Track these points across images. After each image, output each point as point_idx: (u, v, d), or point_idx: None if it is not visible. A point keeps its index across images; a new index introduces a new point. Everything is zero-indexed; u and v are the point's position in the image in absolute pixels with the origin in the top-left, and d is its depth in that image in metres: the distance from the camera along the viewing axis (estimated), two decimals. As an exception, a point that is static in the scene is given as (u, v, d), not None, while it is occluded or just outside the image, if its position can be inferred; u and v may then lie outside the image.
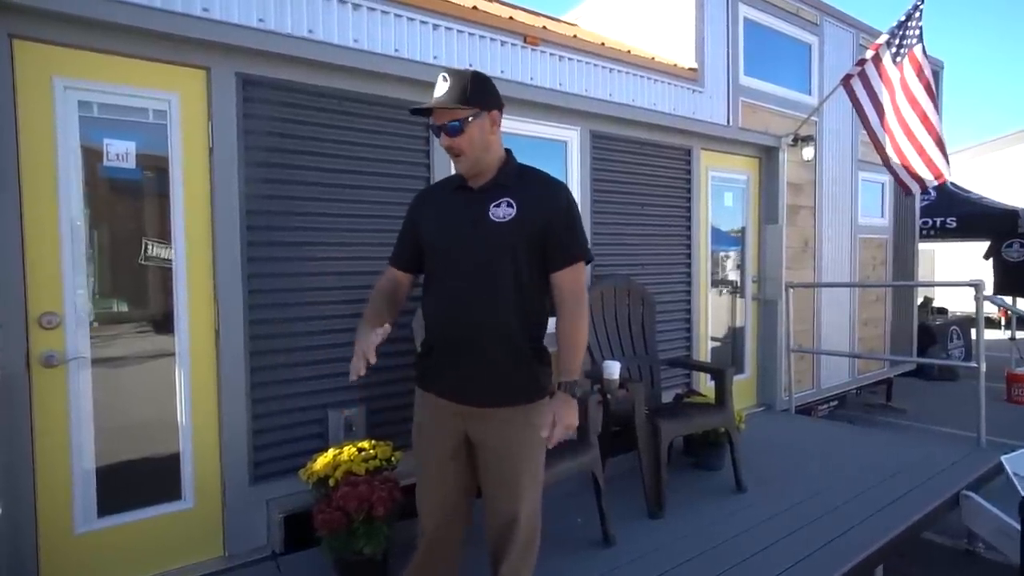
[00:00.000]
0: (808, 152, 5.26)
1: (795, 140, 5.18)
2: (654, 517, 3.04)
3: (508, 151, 1.86)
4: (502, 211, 1.73)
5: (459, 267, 1.76)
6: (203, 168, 2.59)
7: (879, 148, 4.76)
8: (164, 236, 2.55)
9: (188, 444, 2.60)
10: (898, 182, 4.84)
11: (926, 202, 8.54)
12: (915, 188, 4.79)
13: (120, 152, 2.46)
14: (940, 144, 4.58)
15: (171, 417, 2.57)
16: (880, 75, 4.68)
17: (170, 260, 2.55)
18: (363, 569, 2.33)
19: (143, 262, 2.51)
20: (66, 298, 2.33)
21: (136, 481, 2.50)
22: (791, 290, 5.12)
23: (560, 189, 1.83)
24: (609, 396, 3.27)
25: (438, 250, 1.82)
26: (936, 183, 4.70)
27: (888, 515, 3.02)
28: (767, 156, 5.17)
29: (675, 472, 3.56)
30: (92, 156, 2.39)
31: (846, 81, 4.74)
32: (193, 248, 2.57)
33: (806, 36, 5.46)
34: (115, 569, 2.43)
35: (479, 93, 1.73)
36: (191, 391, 2.59)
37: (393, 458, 2.63)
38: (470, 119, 1.71)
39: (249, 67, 2.64)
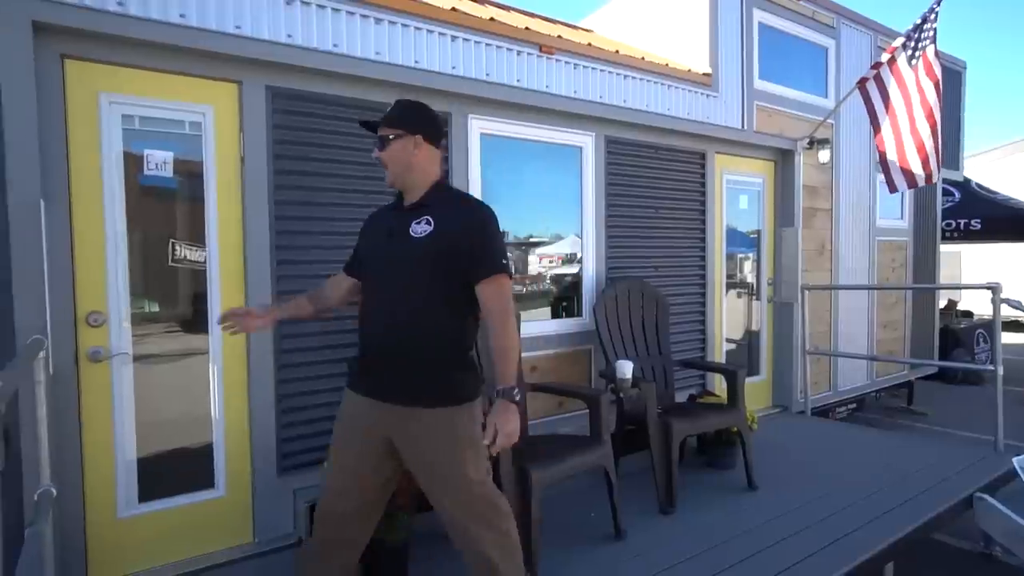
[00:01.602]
0: (824, 155, 5.28)
1: (811, 143, 5.20)
2: (665, 513, 3.12)
3: (442, 178, 2.04)
4: (420, 227, 1.89)
5: (382, 278, 1.95)
6: (235, 176, 2.74)
7: (879, 145, 4.77)
8: (197, 240, 2.70)
9: (220, 437, 2.75)
10: (886, 179, 4.82)
11: (949, 204, 8.45)
12: (902, 185, 4.76)
13: (159, 162, 2.62)
14: (936, 143, 4.57)
15: (204, 411, 2.73)
16: (894, 77, 4.70)
17: (198, 262, 2.71)
18: (385, 557, 2.45)
19: (172, 263, 2.66)
20: (110, 298, 2.50)
21: (173, 470, 2.66)
22: (807, 292, 5.14)
23: (477, 208, 1.97)
24: (622, 395, 3.36)
25: (368, 262, 2.04)
26: (925, 182, 4.67)
27: (897, 515, 3.06)
28: (783, 159, 5.21)
29: (688, 471, 3.64)
30: (133, 165, 2.56)
31: (861, 84, 4.77)
32: (226, 252, 2.73)
33: (822, 39, 5.48)
34: (154, 551, 2.60)
35: (405, 118, 1.96)
36: (223, 387, 2.75)
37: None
38: (391, 137, 1.93)
39: (278, 80, 2.79)
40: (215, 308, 2.73)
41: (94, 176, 2.45)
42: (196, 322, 2.73)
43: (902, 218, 6.51)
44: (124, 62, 2.48)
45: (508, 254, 1.94)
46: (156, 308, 2.67)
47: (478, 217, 1.92)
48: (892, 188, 4.83)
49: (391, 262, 1.92)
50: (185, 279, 2.70)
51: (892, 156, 4.71)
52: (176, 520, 2.65)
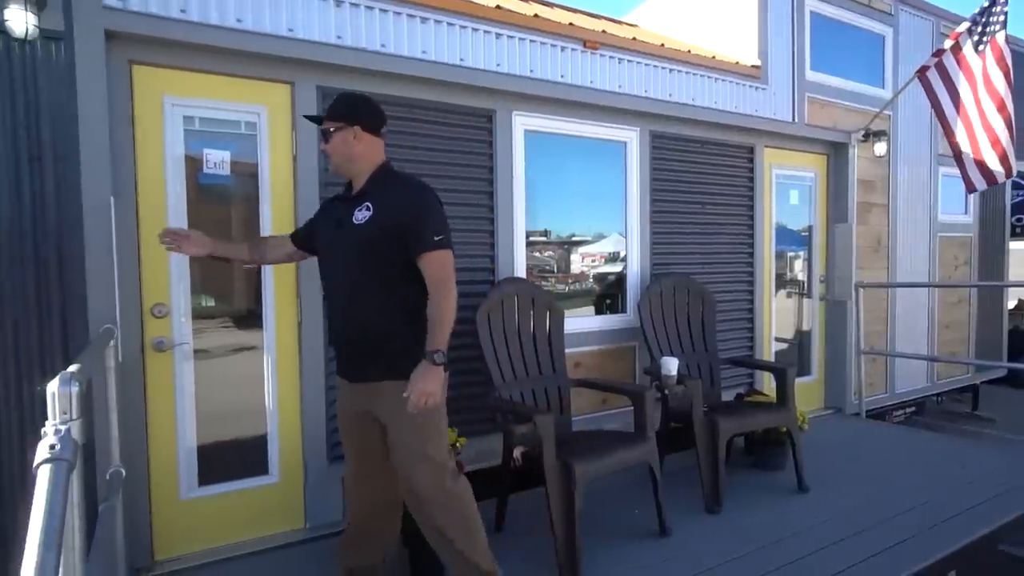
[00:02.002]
0: (880, 148, 5.08)
1: (866, 135, 5.02)
2: (711, 512, 3.07)
3: (383, 163, 2.11)
4: (361, 214, 2.00)
5: (333, 265, 2.11)
6: (288, 174, 2.84)
7: (952, 141, 4.55)
8: (252, 235, 2.80)
9: (274, 426, 2.86)
10: (964, 178, 4.59)
11: (1020, 198, 7.98)
12: (981, 184, 4.53)
13: (217, 161, 2.74)
14: (1012, 137, 4.33)
15: (259, 401, 2.84)
16: (960, 65, 4.48)
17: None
18: (426, 543, 2.49)
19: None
20: (172, 292, 2.63)
21: (230, 456, 2.78)
22: (861, 290, 4.96)
23: (413, 188, 2.05)
24: (667, 392, 3.32)
25: (320, 251, 2.18)
26: (1004, 178, 4.43)
27: (959, 523, 2.93)
28: (835, 152, 5.04)
29: (735, 471, 3.57)
30: (193, 165, 2.68)
31: (922, 73, 4.57)
32: (279, 247, 2.83)
33: (879, 27, 5.27)
34: (213, 532, 2.72)
35: (344, 111, 2.05)
36: (277, 379, 2.85)
37: (458, 443, 2.80)
38: (332, 130, 2.04)
39: (328, 80, 2.88)
40: (268, 302, 2.83)
41: (158, 175, 2.59)
42: (249, 317, 2.84)
43: (966, 213, 6.19)
44: (185, 66, 2.61)
45: (446, 228, 2.01)
46: (212, 303, 2.79)
47: (413, 197, 2.01)
48: (970, 187, 4.60)
49: (338, 250, 2.07)
50: (239, 276, 2.82)
51: (967, 151, 4.49)
52: (233, 504, 2.77)
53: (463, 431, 2.91)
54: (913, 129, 5.53)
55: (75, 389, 1.20)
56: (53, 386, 1.18)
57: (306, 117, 2.26)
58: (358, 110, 2.07)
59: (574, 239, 3.83)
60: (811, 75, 4.78)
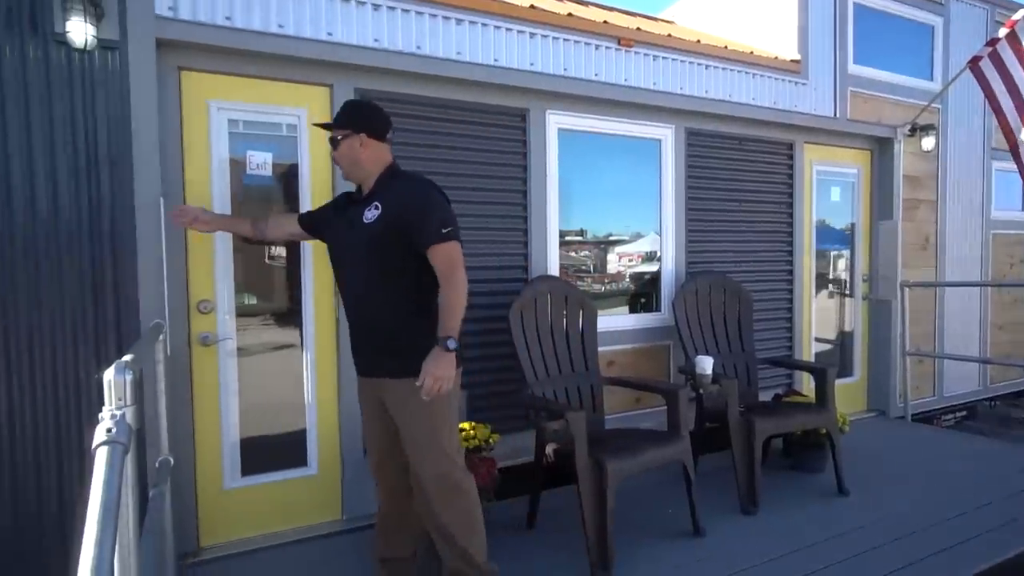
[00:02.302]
0: (928, 142, 4.90)
1: (913, 130, 4.85)
2: (747, 513, 3.03)
3: (390, 165, 2.17)
4: (371, 213, 2.06)
5: (346, 265, 2.16)
6: (326, 174, 2.92)
7: (1008, 134, 4.36)
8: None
9: (313, 419, 2.94)
10: (1021, 172, 4.40)
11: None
12: None
13: (259, 162, 2.83)
14: None
15: (299, 396, 2.92)
16: (1016, 55, 4.29)
17: (288, 256, 2.90)
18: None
19: (268, 261, 2.87)
20: (217, 288, 2.74)
21: (271, 448, 2.87)
22: (907, 290, 4.80)
23: (417, 184, 2.12)
24: (702, 392, 3.29)
25: (332, 249, 2.23)
26: None
27: (1008, 533, 2.81)
28: (880, 148, 4.89)
29: (772, 473, 3.51)
30: (236, 166, 2.78)
31: (974, 63, 4.39)
32: (317, 247, 2.91)
33: (928, 17, 5.09)
34: (255, 521, 2.82)
35: (350, 119, 2.13)
36: (315, 374, 2.94)
37: (491, 439, 2.83)
38: (340, 138, 2.11)
39: (365, 82, 2.94)
40: (308, 300, 2.92)
41: (204, 176, 2.69)
42: (289, 314, 2.93)
43: (1023, 209, 5.92)
44: (230, 71, 2.71)
45: (453, 221, 2.04)
46: (253, 300, 2.88)
47: (417, 192, 2.08)
48: None
49: (350, 251, 2.13)
50: (279, 275, 2.91)
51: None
52: (273, 494, 2.86)
53: (496, 428, 2.94)
54: (964, 122, 5.32)
55: (129, 377, 1.27)
56: (109, 374, 1.25)
57: (316, 125, 2.32)
58: (363, 117, 2.15)
59: (608, 238, 3.82)
60: (854, 68, 4.65)
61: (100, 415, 1.19)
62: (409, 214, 2.02)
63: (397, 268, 2.04)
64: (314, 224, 2.37)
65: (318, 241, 2.88)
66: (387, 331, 2.08)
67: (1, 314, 2.30)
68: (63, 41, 2.30)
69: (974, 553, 2.62)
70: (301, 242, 2.86)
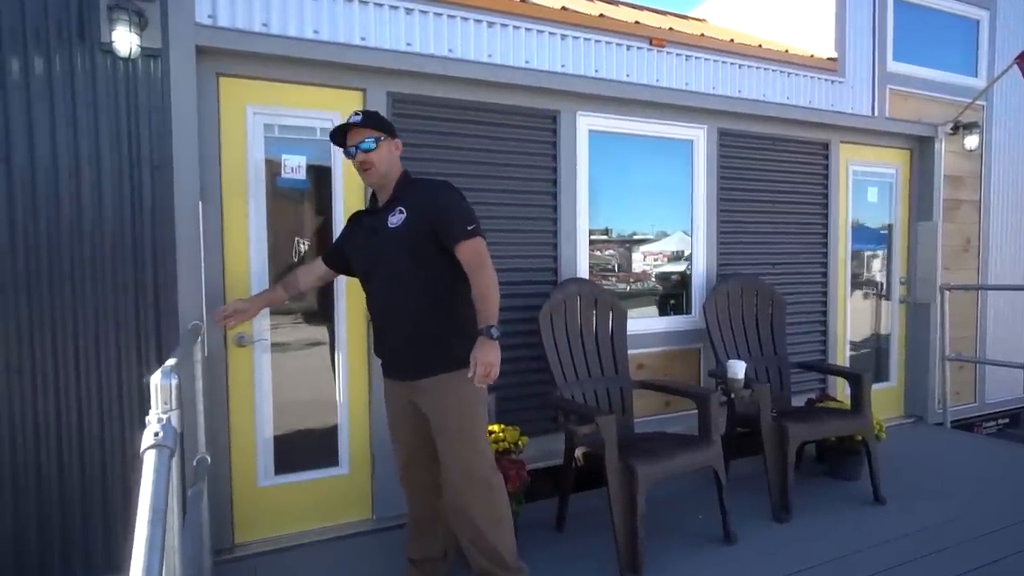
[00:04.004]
0: (972, 141, 4.75)
1: (955, 128, 4.70)
2: (779, 521, 2.98)
3: (404, 171, 2.23)
4: (395, 218, 2.11)
5: (374, 272, 2.17)
6: (359, 178, 2.94)
7: None
8: (321, 239, 2.93)
9: (344, 419, 2.99)
10: None
11: None
12: None
13: (294, 166, 2.88)
14: None
15: (330, 395, 2.97)
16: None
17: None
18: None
19: (295, 259, 2.90)
20: (252, 290, 2.78)
21: (303, 447, 2.92)
22: (947, 293, 4.66)
23: (438, 185, 2.19)
24: (733, 396, 3.24)
25: (358, 261, 2.25)
26: None
27: (1057, 544, 2.72)
28: (920, 147, 4.75)
29: (806, 479, 3.44)
30: (271, 169, 2.83)
31: (1021, 59, 4.24)
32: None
33: (973, 11, 4.92)
34: (287, 519, 2.87)
35: (382, 123, 2.17)
36: (347, 373, 2.97)
37: (520, 442, 2.84)
38: (382, 140, 2.13)
39: (398, 86, 2.97)
40: (340, 299, 2.96)
41: (241, 180, 2.75)
42: (322, 315, 2.97)
43: (1071, 210, 5.69)
44: (266, 76, 2.75)
45: (475, 218, 2.10)
46: (287, 301, 2.91)
47: (439, 193, 2.13)
48: None
49: (377, 257, 2.15)
50: (314, 273, 2.95)
51: None
52: (306, 492, 2.91)
53: (525, 430, 2.94)
54: (1011, 120, 5.14)
55: (175, 381, 1.30)
56: (156, 378, 1.29)
57: (352, 127, 2.13)
58: (389, 123, 2.21)
59: (637, 238, 3.79)
60: (893, 66, 4.53)
61: (147, 419, 1.22)
62: (433, 214, 2.08)
63: (426, 269, 2.09)
64: (340, 254, 2.38)
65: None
66: (420, 331, 2.11)
67: (49, 317, 2.38)
68: (109, 50, 2.37)
69: (1020, 570, 2.53)
70: (334, 239, 2.90)
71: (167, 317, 2.54)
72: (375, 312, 2.23)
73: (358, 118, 2.13)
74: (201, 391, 2.36)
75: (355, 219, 2.37)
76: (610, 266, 3.72)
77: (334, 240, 2.49)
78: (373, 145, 2.12)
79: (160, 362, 2.51)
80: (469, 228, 2.07)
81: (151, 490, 1.02)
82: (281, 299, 2.50)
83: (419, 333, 2.11)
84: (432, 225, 2.06)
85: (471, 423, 2.13)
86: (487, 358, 1.91)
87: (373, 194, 2.27)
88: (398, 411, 2.27)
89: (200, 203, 2.56)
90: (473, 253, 2.05)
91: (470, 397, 2.09)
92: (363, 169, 2.16)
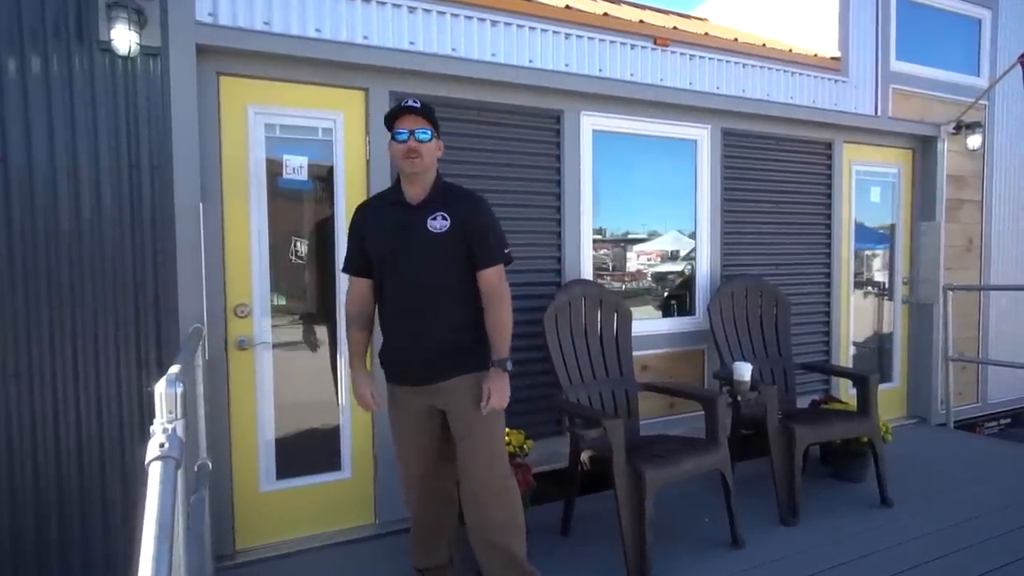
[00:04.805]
0: (974, 140, 4.74)
1: (958, 128, 4.69)
2: (787, 524, 2.95)
3: (439, 174, 2.16)
4: (438, 223, 2.04)
5: (406, 273, 2.07)
6: (361, 177, 2.92)
7: None
8: (322, 239, 2.89)
9: (347, 422, 2.95)
10: None
11: None
12: None
13: (295, 166, 2.84)
14: None
15: (332, 397, 2.93)
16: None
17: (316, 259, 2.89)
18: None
19: (297, 260, 2.86)
20: (253, 292, 2.75)
21: (305, 452, 2.89)
22: (950, 293, 4.64)
23: (481, 203, 2.14)
24: (739, 398, 3.21)
25: (385, 259, 2.10)
26: None
27: (1067, 546, 2.70)
28: (922, 146, 4.74)
29: (811, 481, 3.42)
30: (273, 169, 2.79)
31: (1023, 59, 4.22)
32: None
33: (975, 10, 4.91)
34: (289, 524, 2.83)
35: (434, 119, 2.10)
36: (349, 375, 2.93)
37: (525, 445, 2.81)
38: (435, 134, 2.08)
39: (400, 86, 2.93)
40: (342, 302, 2.90)
41: (242, 180, 2.71)
42: (324, 318, 2.93)
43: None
44: (268, 76, 2.71)
45: (507, 242, 2.16)
46: (289, 303, 2.89)
47: (484, 213, 2.12)
48: None
49: (408, 255, 2.07)
50: (311, 275, 2.91)
51: None
52: (308, 497, 2.87)
53: (530, 434, 2.91)
54: (1014, 119, 5.13)
55: (180, 390, 1.27)
56: (161, 387, 1.25)
57: (405, 106, 2.04)
58: (438, 124, 2.14)
59: (641, 239, 3.76)
60: (896, 65, 4.51)
61: (151, 428, 1.18)
62: (476, 230, 2.07)
63: (460, 279, 2.08)
64: (364, 258, 2.17)
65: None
66: (451, 338, 2.08)
67: (47, 318, 2.34)
68: (107, 48, 2.33)
69: (1029, 571, 2.51)
70: (335, 242, 2.88)
71: (167, 319, 2.50)
72: (395, 311, 2.10)
73: (416, 104, 2.04)
74: (202, 396, 2.32)
75: (374, 210, 2.20)
76: (613, 267, 3.69)
77: (347, 250, 2.24)
78: (428, 136, 2.05)
79: (160, 364, 2.50)
80: (504, 252, 2.12)
81: (157, 504, 0.98)
82: (367, 338, 2.26)
83: (448, 340, 2.08)
84: (472, 240, 2.06)
85: (495, 429, 2.13)
86: (503, 392, 2.02)
87: (397, 184, 2.14)
88: (414, 419, 2.17)
89: (200, 204, 2.52)
90: (498, 279, 2.09)
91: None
92: (408, 156, 2.02)
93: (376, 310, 2.21)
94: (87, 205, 2.37)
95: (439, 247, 2.04)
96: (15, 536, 2.33)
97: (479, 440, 2.09)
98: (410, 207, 2.09)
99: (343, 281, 2.89)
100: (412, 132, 2.02)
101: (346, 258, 2.24)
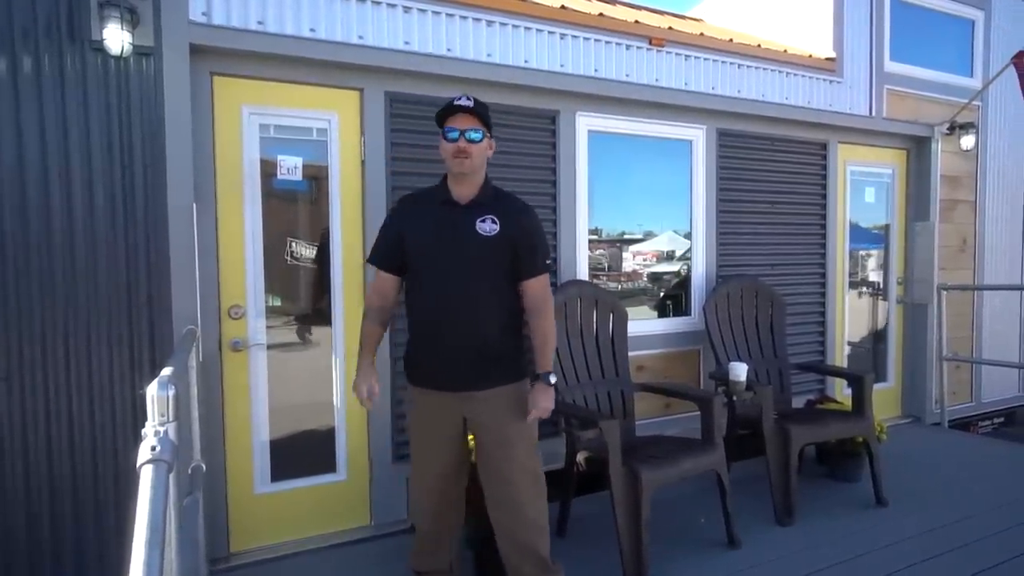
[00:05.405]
0: (968, 141, 4.75)
1: (951, 128, 4.71)
2: (782, 524, 2.95)
3: (487, 175, 2.12)
4: (488, 226, 2.00)
5: (449, 274, 2.00)
6: (356, 178, 2.91)
7: None
8: (316, 240, 2.87)
9: (342, 424, 2.93)
10: None
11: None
12: None
13: (290, 167, 2.83)
14: None
15: (327, 400, 2.91)
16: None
17: (313, 259, 2.88)
18: (491, 545, 2.50)
19: (293, 261, 2.84)
20: (248, 293, 2.74)
21: (300, 454, 2.87)
22: (944, 293, 4.66)
23: (532, 211, 2.13)
24: (735, 398, 3.22)
25: (429, 258, 2.03)
26: None
27: (1061, 545, 2.71)
28: (917, 147, 4.76)
29: (806, 480, 3.42)
30: (267, 169, 2.78)
31: (1019, 58, 4.24)
32: (348, 251, 2.90)
33: (969, 11, 4.93)
34: (284, 526, 2.82)
35: (489, 119, 2.05)
36: (345, 377, 2.92)
37: (521, 446, 2.79)
38: (486, 135, 2.03)
39: (396, 86, 2.92)
40: (337, 302, 2.90)
41: (236, 181, 2.69)
42: (319, 319, 2.91)
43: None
44: (262, 76, 2.70)
45: (550, 251, 2.17)
46: (284, 305, 2.87)
47: (533, 221, 2.10)
48: None
49: (459, 259, 2.00)
50: (306, 276, 2.90)
51: None
52: (303, 499, 2.86)
53: (526, 434, 2.90)
54: (1008, 120, 5.15)
55: (172, 392, 1.25)
56: (153, 389, 1.24)
57: (458, 104, 1.97)
58: (491, 123, 2.07)
59: (637, 239, 3.76)
60: (891, 66, 4.53)
61: (143, 431, 1.17)
62: (524, 238, 2.04)
63: (506, 285, 2.05)
64: (400, 253, 2.09)
65: (346, 244, 2.90)
66: (496, 345, 2.04)
67: (39, 320, 2.32)
68: (100, 48, 2.31)
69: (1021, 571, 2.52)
70: (330, 242, 2.87)
71: (160, 320, 2.48)
72: (433, 312, 2.03)
73: (469, 102, 1.97)
74: (196, 397, 2.30)
75: (419, 206, 2.12)
76: (609, 267, 3.69)
77: (379, 242, 2.15)
78: (480, 137, 1.98)
79: (154, 365, 2.48)
80: (548, 263, 2.11)
81: (148, 508, 0.97)
82: (381, 334, 2.19)
83: (493, 347, 2.03)
84: (520, 248, 2.02)
85: (532, 436, 2.12)
86: (545, 404, 2.02)
87: (444, 182, 2.08)
88: (437, 423, 2.09)
89: (194, 204, 2.50)
90: (543, 289, 2.07)
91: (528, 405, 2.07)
92: (457, 156, 1.96)
93: (405, 308, 2.13)
94: (79, 205, 2.35)
95: (487, 251, 1.99)
96: (6, 536, 2.31)
97: (517, 451, 2.05)
98: (458, 206, 2.03)
99: (340, 283, 2.89)
100: (463, 132, 1.96)
101: (375, 250, 2.15)
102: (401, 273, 2.12)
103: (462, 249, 2.00)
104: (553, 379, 2.05)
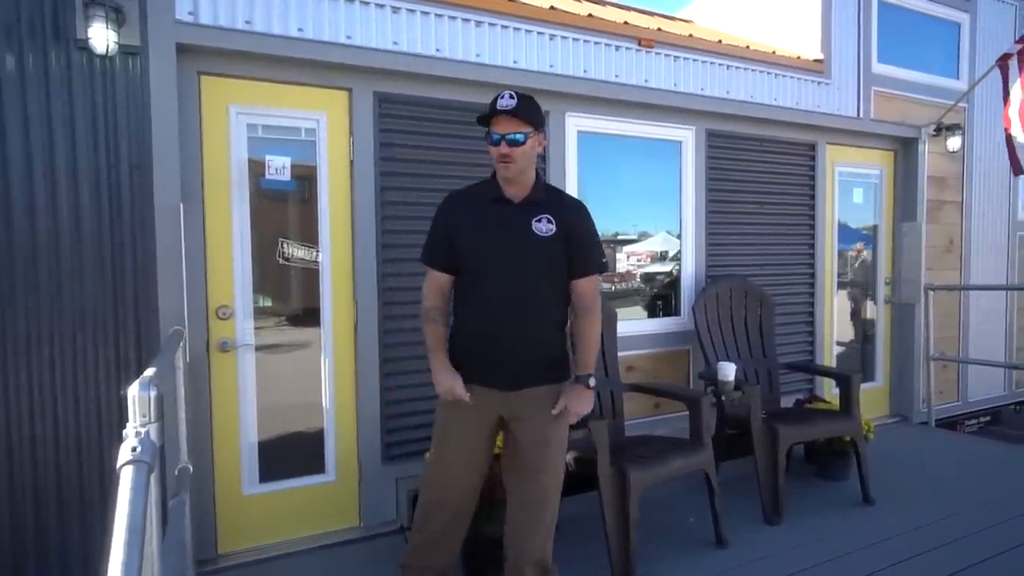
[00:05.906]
0: (954, 142, 4.80)
1: (938, 130, 4.75)
2: (771, 524, 2.97)
3: (538, 170, 2.05)
4: (544, 226, 1.96)
5: (504, 273, 1.96)
6: (345, 178, 2.90)
7: (1006, 124, 4.27)
8: (306, 240, 2.86)
9: (331, 425, 2.93)
10: (1011, 160, 4.33)
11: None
12: None
13: (278, 167, 2.82)
14: None
15: (316, 400, 2.91)
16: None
17: (306, 259, 2.87)
18: (484, 546, 2.50)
19: (283, 261, 2.83)
20: (236, 293, 2.72)
21: (289, 454, 2.86)
22: (931, 293, 4.70)
23: (584, 209, 2.10)
24: (724, 398, 3.23)
25: (483, 259, 1.98)
26: None
27: (1044, 542, 2.74)
28: (904, 148, 4.80)
29: (795, 480, 3.44)
30: (255, 170, 2.77)
31: (1003, 61, 4.29)
32: (336, 251, 2.89)
33: (954, 14, 4.97)
34: (272, 528, 2.81)
35: (536, 115, 1.94)
36: (334, 378, 2.91)
37: (510, 447, 2.79)
38: (530, 133, 1.91)
39: (384, 86, 2.92)
40: (326, 303, 2.90)
41: (223, 181, 2.68)
42: (308, 320, 2.90)
43: (1050, 211, 5.78)
44: (250, 75, 2.69)
45: (603, 251, 2.13)
46: (272, 305, 2.86)
47: (588, 220, 2.08)
48: (1017, 171, 4.37)
49: (515, 259, 1.95)
50: (296, 276, 2.89)
51: (1019, 136, 4.24)
52: (292, 500, 2.85)
53: (515, 434, 2.90)
54: (993, 122, 5.20)
55: (154, 393, 1.25)
56: (134, 390, 1.23)
57: (499, 109, 1.88)
58: (540, 115, 1.96)
59: (627, 237, 3.77)
60: (878, 67, 4.57)
61: (124, 432, 1.16)
62: (580, 237, 2.01)
63: (558, 282, 2.02)
64: (451, 254, 2.03)
65: (335, 245, 2.89)
66: (544, 344, 2.02)
67: (24, 320, 2.30)
68: (85, 47, 2.29)
69: (1012, 567, 2.54)
70: (319, 243, 2.87)
71: (147, 320, 2.47)
72: (487, 311, 1.98)
73: (512, 103, 1.86)
74: (183, 398, 2.29)
75: (470, 205, 2.04)
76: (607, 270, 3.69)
77: (430, 241, 2.08)
78: (522, 140, 1.88)
79: (140, 365, 2.46)
80: (603, 261, 2.10)
81: (128, 510, 0.96)
82: (444, 332, 2.09)
83: (543, 347, 2.02)
84: (574, 247, 1.99)
85: (566, 430, 2.09)
86: (582, 408, 2.01)
87: (494, 180, 2.01)
88: (473, 421, 2.03)
89: (181, 204, 2.49)
90: (593, 289, 2.06)
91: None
92: (501, 161, 1.91)
93: (453, 306, 2.10)
94: (65, 204, 2.34)
95: (545, 251, 1.96)
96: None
97: (553, 451, 2.03)
98: (511, 205, 1.98)
99: (329, 284, 2.88)
100: (504, 136, 1.88)
101: (428, 250, 2.08)
102: (456, 272, 2.05)
103: (519, 250, 1.95)
104: (593, 382, 2.02)
